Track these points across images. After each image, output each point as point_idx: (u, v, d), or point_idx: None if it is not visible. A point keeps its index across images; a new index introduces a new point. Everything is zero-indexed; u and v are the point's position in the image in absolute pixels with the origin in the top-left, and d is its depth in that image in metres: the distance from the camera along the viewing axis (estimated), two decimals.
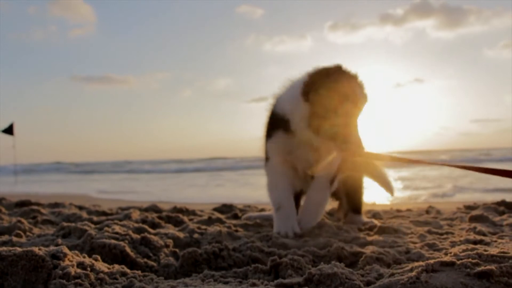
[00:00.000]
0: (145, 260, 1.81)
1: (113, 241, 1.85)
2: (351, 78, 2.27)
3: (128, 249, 1.83)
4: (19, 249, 1.38)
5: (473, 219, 2.69)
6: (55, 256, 1.42)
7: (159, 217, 2.82)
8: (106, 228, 2.12)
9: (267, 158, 2.53)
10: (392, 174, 2.72)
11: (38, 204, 3.83)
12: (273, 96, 2.54)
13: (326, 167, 2.45)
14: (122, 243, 1.86)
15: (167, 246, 2.00)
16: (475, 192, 6.73)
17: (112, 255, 1.79)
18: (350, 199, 2.85)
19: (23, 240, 2.13)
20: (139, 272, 1.57)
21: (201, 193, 8.69)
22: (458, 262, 1.29)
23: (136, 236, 2.00)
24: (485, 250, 1.43)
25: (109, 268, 1.53)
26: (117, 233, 2.02)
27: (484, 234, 2.18)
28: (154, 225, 2.58)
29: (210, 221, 2.81)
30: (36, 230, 2.48)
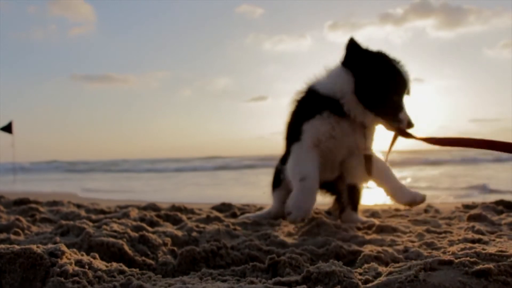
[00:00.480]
0: (143, 258, 1.81)
1: (111, 239, 1.85)
2: (398, 62, 2.36)
3: (126, 247, 1.83)
4: (17, 247, 1.38)
5: (472, 218, 2.69)
6: (53, 254, 1.42)
7: (158, 216, 2.81)
8: (104, 226, 2.12)
9: (297, 139, 2.45)
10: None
11: (36, 202, 3.82)
12: (308, 82, 2.51)
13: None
14: (120, 241, 1.86)
15: (165, 244, 2.00)
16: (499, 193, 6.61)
17: (110, 253, 1.79)
18: (351, 195, 2.82)
19: (21, 238, 2.13)
20: (137, 270, 1.57)
21: (199, 193, 8.68)
22: (456, 261, 1.29)
23: (134, 234, 2.00)
24: (483, 249, 1.43)
25: (107, 266, 1.53)
26: (115, 231, 2.02)
27: (482, 233, 2.18)
28: (152, 224, 2.57)
29: (208, 219, 2.81)
30: (34, 228, 2.48)
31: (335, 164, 2.58)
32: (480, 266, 1.24)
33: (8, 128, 13.20)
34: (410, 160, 19.28)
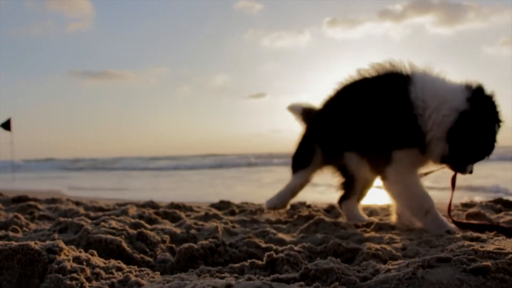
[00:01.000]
0: (142, 255, 1.81)
1: (109, 236, 1.85)
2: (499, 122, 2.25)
3: (124, 244, 1.82)
4: (15, 243, 1.38)
5: (470, 216, 2.69)
6: (51, 251, 1.42)
7: (156, 213, 2.81)
8: (102, 223, 2.12)
9: (392, 161, 2.28)
10: None
11: (35, 199, 3.82)
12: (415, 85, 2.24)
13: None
14: (118, 238, 1.85)
15: (163, 241, 2.00)
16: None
17: (109, 250, 1.79)
18: (363, 185, 2.79)
19: (20, 235, 2.13)
20: (135, 267, 1.57)
21: (197, 191, 8.66)
22: (454, 258, 1.30)
23: (132, 231, 2.00)
24: (482, 247, 1.43)
25: (105, 263, 1.53)
26: (113, 228, 2.02)
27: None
28: (151, 221, 2.57)
29: (207, 217, 2.81)
30: (32, 226, 2.48)
31: None
32: (478, 264, 1.24)
33: (6, 125, 13.18)
34: None
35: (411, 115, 2.21)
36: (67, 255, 1.43)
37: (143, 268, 1.57)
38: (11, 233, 2.10)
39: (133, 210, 2.97)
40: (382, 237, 2.12)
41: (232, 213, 3.24)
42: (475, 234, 2.01)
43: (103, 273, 1.42)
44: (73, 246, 1.57)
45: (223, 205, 3.60)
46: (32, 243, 1.40)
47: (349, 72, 2.56)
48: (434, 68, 2.33)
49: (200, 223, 2.44)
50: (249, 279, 1.35)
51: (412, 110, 2.21)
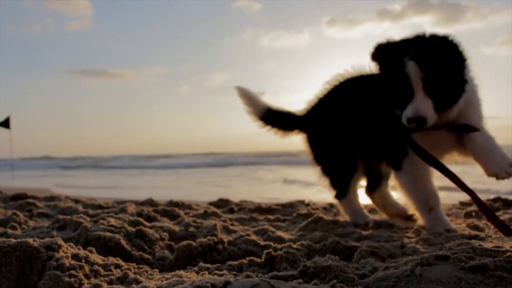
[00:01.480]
0: (140, 253, 1.81)
1: (108, 234, 1.85)
2: None
3: (123, 242, 1.82)
4: (13, 240, 1.38)
5: (469, 215, 2.70)
6: (50, 248, 1.42)
7: (155, 211, 2.81)
8: (101, 221, 2.12)
9: (404, 153, 2.22)
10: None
11: (34, 197, 3.81)
12: None
13: None
14: (117, 235, 1.85)
15: (162, 239, 2.00)
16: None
17: (107, 247, 1.79)
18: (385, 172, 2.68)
19: (18, 232, 2.13)
20: (134, 264, 1.57)
21: (196, 190, 8.65)
22: (453, 256, 1.30)
23: (131, 229, 2.00)
24: (480, 245, 1.43)
25: (103, 260, 1.52)
26: (112, 226, 2.02)
27: (479, 230, 2.19)
28: (149, 219, 2.57)
29: (205, 215, 2.81)
30: (31, 223, 2.48)
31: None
32: (476, 262, 1.24)
33: (5, 124, 13.15)
34: None
35: None
36: (66, 252, 1.43)
37: (141, 266, 1.57)
38: (9, 231, 2.10)
39: (132, 208, 2.96)
40: (381, 235, 2.13)
41: (231, 211, 3.24)
42: (474, 232, 2.01)
43: (101, 270, 1.42)
44: (71, 244, 1.57)
45: (222, 203, 3.60)
46: (30, 240, 1.40)
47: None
48: None
49: (199, 221, 2.44)
50: (248, 276, 1.35)
51: None
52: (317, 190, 6.61)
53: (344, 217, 2.83)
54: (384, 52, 2.10)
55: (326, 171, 2.65)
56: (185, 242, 1.78)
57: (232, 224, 2.43)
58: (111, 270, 1.44)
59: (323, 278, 1.26)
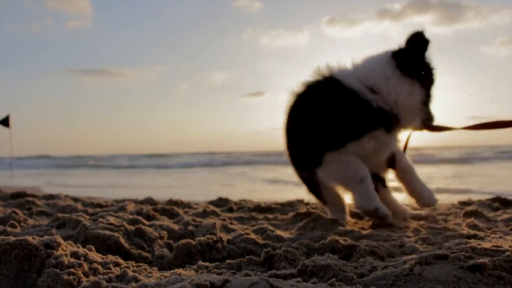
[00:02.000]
0: (139, 251, 1.81)
1: (107, 232, 1.85)
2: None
3: (122, 240, 1.83)
4: (12, 238, 1.38)
5: (468, 214, 2.70)
6: (49, 246, 1.42)
7: (154, 210, 2.81)
8: (100, 219, 2.12)
9: (333, 147, 2.21)
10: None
11: (33, 195, 3.81)
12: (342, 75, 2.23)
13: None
14: (116, 234, 1.86)
15: (161, 237, 2.00)
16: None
17: (106, 245, 1.79)
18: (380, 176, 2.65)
19: (18, 230, 2.13)
20: (133, 262, 1.57)
21: (195, 189, 8.64)
22: (452, 255, 1.30)
23: (130, 227, 2.00)
24: (479, 244, 1.43)
25: (102, 258, 1.53)
26: (111, 224, 2.02)
27: (478, 229, 2.19)
28: (149, 217, 2.57)
29: (205, 213, 2.81)
30: (30, 221, 2.48)
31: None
32: (475, 261, 1.24)
33: (5, 122, 13.13)
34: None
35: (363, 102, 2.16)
36: (65, 250, 1.43)
37: (140, 264, 1.57)
38: (9, 228, 2.10)
39: (131, 207, 2.97)
40: (380, 234, 2.12)
41: (230, 210, 3.24)
42: (472, 232, 2.01)
43: (100, 268, 1.42)
44: (70, 242, 1.57)
45: (221, 202, 3.60)
46: (30, 238, 1.40)
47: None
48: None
49: (198, 219, 2.45)
50: (247, 275, 1.35)
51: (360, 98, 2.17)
52: None
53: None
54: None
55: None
56: (184, 241, 1.78)
57: (231, 223, 2.43)
58: (110, 268, 1.44)
59: (322, 276, 1.26)
